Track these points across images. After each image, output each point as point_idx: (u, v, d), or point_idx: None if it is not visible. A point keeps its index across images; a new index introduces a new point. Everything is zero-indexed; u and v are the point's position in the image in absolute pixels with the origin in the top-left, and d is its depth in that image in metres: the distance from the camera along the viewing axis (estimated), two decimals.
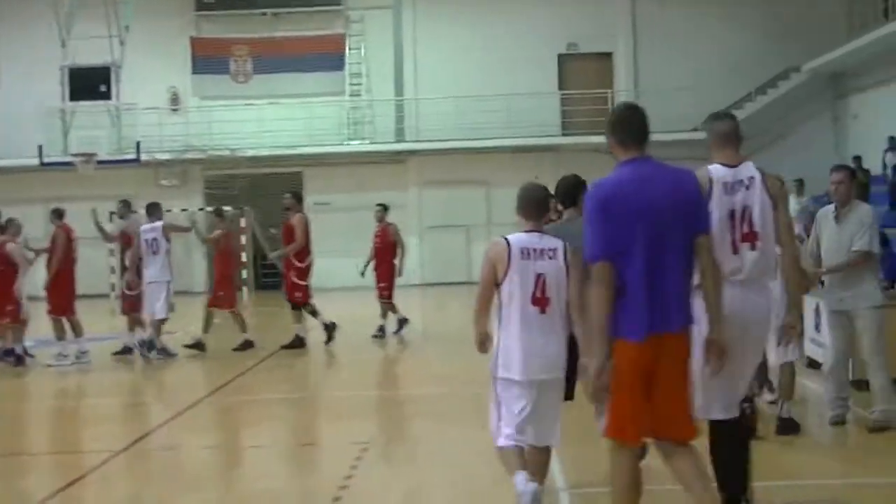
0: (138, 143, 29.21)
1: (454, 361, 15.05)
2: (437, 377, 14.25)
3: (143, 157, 29.72)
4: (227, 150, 33.23)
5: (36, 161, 29.42)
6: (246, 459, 10.39)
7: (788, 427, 9.63)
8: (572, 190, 8.07)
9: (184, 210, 30.56)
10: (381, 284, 19.09)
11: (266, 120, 34.63)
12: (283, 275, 18.27)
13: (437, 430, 10.99)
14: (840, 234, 9.76)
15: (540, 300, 6.90)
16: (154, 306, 17.04)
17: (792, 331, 7.05)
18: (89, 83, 27.56)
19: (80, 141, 28.03)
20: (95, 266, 27.99)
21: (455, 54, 34.80)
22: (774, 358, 9.67)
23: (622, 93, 33.70)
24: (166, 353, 16.97)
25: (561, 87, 35.33)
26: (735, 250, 6.67)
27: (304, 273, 17.76)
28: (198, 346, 17.40)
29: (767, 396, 10.78)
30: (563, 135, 34.29)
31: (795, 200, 24.35)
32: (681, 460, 6.05)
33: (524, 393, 6.88)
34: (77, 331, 16.84)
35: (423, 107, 35.13)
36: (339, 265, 32.28)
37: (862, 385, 10.48)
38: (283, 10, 35.34)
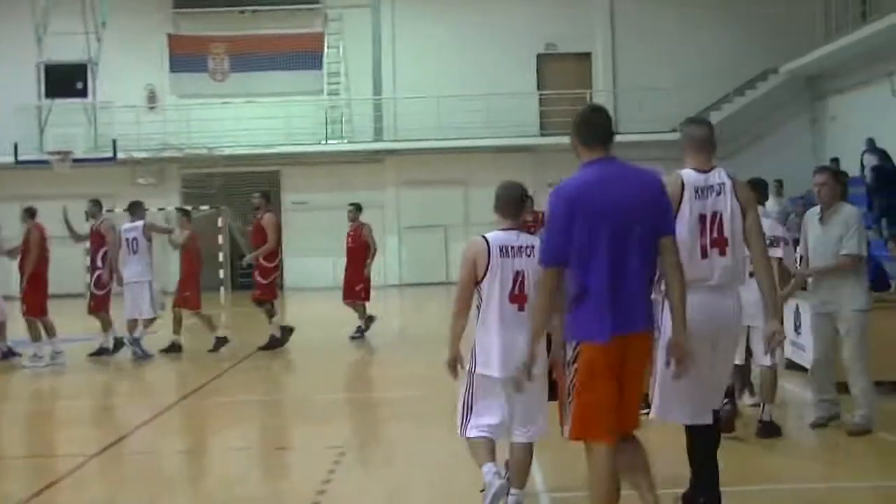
0: (115, 142, 28.99)
1: (432, 363, 14.92)
2: (415, 379, 14.15)
3: (120, 155, 29.52)
4: (204, 148, 33.07)
5: (11, 159, 29.12)
6: (222, 463, 10.28)
7: (769, 430, 9.61)
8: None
9: (161, 209, 30.39)
10: (359, 287, 18.98)
11: (244, 118, 34.46)
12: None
13: (415, 432, 10.92)
14: (825, 236, 9.75)
15: (518, 297, 6.95)
16: (140, 307, 16.97)
17: (776, 338, 7.00)
18: (65, 80, 27.32)
19: (55, 139, 27.78)
20: (71, 265, 27.80)
21: (433, 54, 34.73)
22: (759, 360, 9.68)
23: (601, 93, 33.65)
24: (143, 354, 16.85)
25: (539, 87, 35.30)
26: (705, 255, 6.74)
27: (269, 272, 17.61)
28: (173, 348, 17.30)
29: (748, 399, 10.76)
30: (542, 135, 34.26)
31: (775, 201, 24.38)
32: (624, 453, 6.07)
33: (502, 389, 6.93)
34: (49, 331, 16.67)
35: (401, 106, 35.07)
36: (316, 265, 32.37)
37: (841, 388, 10.44)
38: (262, 7, 35.21)
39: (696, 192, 6.79)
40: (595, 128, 6.15)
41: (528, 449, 7.17)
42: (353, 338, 18.68)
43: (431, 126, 33.89)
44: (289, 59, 34.21)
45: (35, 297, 16.64)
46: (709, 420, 6.84)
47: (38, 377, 15.95)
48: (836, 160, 26.49)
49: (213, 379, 15.01)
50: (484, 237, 7.05)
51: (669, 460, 7.41)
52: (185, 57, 34.31)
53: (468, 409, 7.08)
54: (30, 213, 16.98)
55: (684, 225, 6.65)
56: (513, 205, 7.13)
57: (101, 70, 27.97)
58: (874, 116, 27.61)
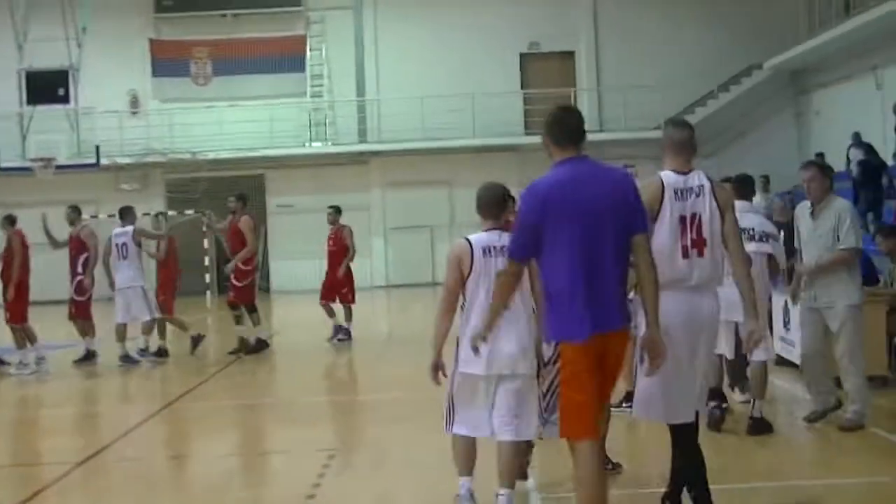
0: (98, 147, 28.93)
1: (419, 364, 14.85)
2: (402, 380, 14.06)
3: (103, 161, 29.47)
4: (187, 153, 32.89)
5: None
6: (210, 469, 10.19)
7: (760, 427, 9.58)
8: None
9: (146, 214, 30.24)
10: (345, 289, 18.90)
11: (227, 122, 34.30)
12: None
13: (403, 434, 10.85)
14: (817, 230, 9.70)
15: None
16: (136, 312, 16.91)
17: (753, 337, 7.00)
18: (47, 87, 27.26)
19: (38, 145, 27.70)
20: (55, 272, 27.64)
21: (416, 54, 34.64)
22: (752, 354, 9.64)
23: (585, 91, 33.57)
24: (129, 361, 16.75)
25: (523, 87, 35.20)
26: (685, 255, 6.81)
27: (245, 275, 17.49)
28: (160, 353, 17.23)
29: (739, 396, 10.73)
30: (526, 134, 34.18)
31: (762, 196, 24.35)
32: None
33: (487, 388, 7.01)
34: (31, 338, 16.58)
35: (384, 107, 34.98)
36: (302, 268, 32.23)
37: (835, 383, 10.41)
38: (243, 11, 35.05)
39: (676, 193, 6.88)
40: (567, 127, 6.19)
41: (515, 448, 7.14)
42: (340, 340, 18.61)
43: (415, 127, 33.81)
44: (271, 62, 34.14)
45: (19, 304, 16.54)
46: (690, 418, 6.87)
47: (23, 384, 15.85)
48: (821, 154, 26.47)
49: (199, 384, 14.94)
50: (467, 239, 7.14)
51: (658, 459, 7.37)
52: (168, 61, 34.19)
53: (453, 407, 7.19)
54: (10, 221, 16.84)
55: (665, 226, 6.78)
56: (493, 206, 7.22)
57: (83, 76, 27.91)
58: (858, 110, 27.62)
